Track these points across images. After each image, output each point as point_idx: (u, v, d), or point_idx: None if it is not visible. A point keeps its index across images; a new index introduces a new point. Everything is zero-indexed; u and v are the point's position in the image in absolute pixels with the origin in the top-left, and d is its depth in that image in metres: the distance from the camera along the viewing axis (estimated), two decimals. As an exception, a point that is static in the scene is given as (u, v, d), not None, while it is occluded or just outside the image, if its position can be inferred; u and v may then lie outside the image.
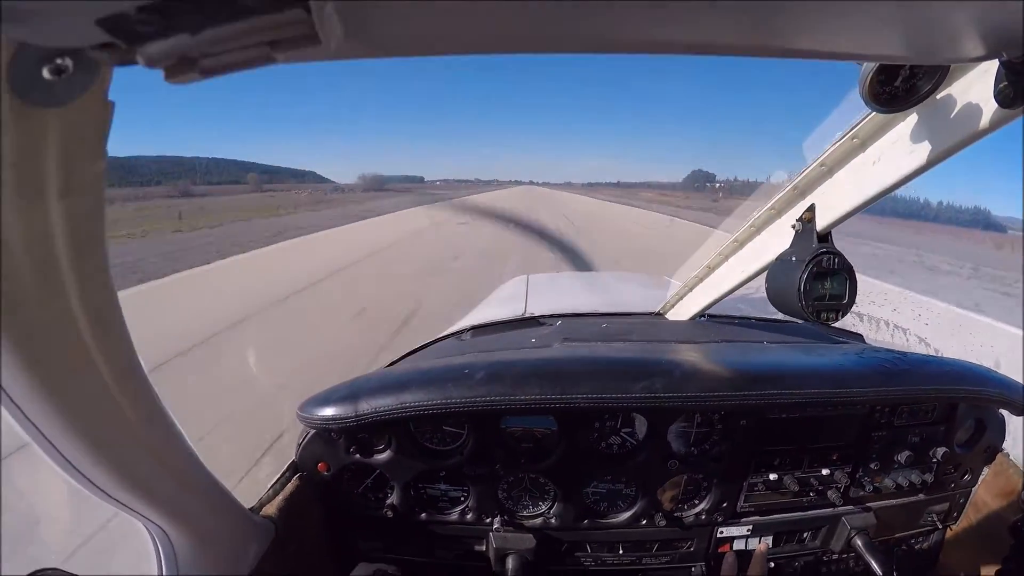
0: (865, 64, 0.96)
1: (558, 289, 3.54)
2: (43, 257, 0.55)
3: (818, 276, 1.27)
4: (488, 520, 1.61)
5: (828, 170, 1.30)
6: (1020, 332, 8.34)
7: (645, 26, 0.55)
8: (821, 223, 1.31)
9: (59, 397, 0.65)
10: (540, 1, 0.48)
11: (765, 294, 1.43)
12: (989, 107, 0.94)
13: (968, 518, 1.84)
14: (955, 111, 1.00)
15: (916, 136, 1.08)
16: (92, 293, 0.62)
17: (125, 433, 0.78)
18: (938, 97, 1.01)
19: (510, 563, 1.55)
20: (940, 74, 0.98)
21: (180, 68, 0.42)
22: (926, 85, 0.98)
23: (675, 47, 0.60)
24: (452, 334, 2.30)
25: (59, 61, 0.44)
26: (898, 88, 0.99)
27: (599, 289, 3.54)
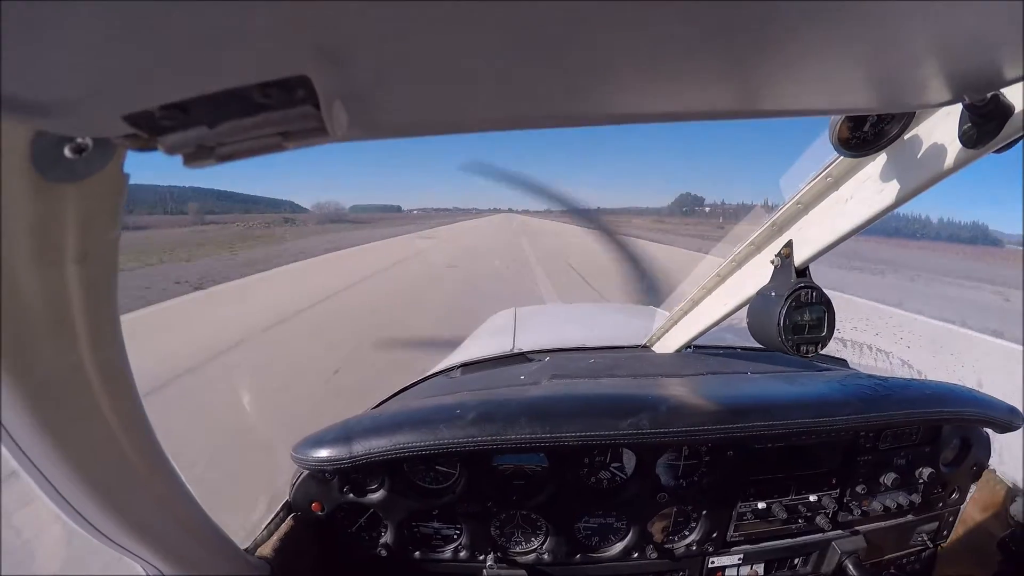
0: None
1: (546, 322, 3.53)
2: (58, 317, 0.57)
3: (797, 310, 1.29)
4: (481, 557, 1.60)
5: (804, 207, 1.32)
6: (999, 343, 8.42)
7: (623, 98, 0.57)
8: (799, 258, 1.33)
9: (64, 443, 0.65)
10: (529, 85, 0.50)
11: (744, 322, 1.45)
12: (954, 147, 0.96)
13: (958, 535, 1.84)
14: (922, 152, 1.03)
15: (886, 175, 1.10)
16: (102, 348, 0.64)
17: (128, 478, 0.78)
18: (905, 138, 1.04)
19: None
20: (907, 119, 1.01)
21: (198, 155, 0.43)
22: (893, 129, 1.01)
23: (646, 117, 0.62)
24: (441, 372, 2.30)
25: (80, 141, 0.46)
26: (867, 133, 1.01)
27: (586, 322, 3.52)
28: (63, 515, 0.74)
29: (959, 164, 0.98)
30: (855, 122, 1.00)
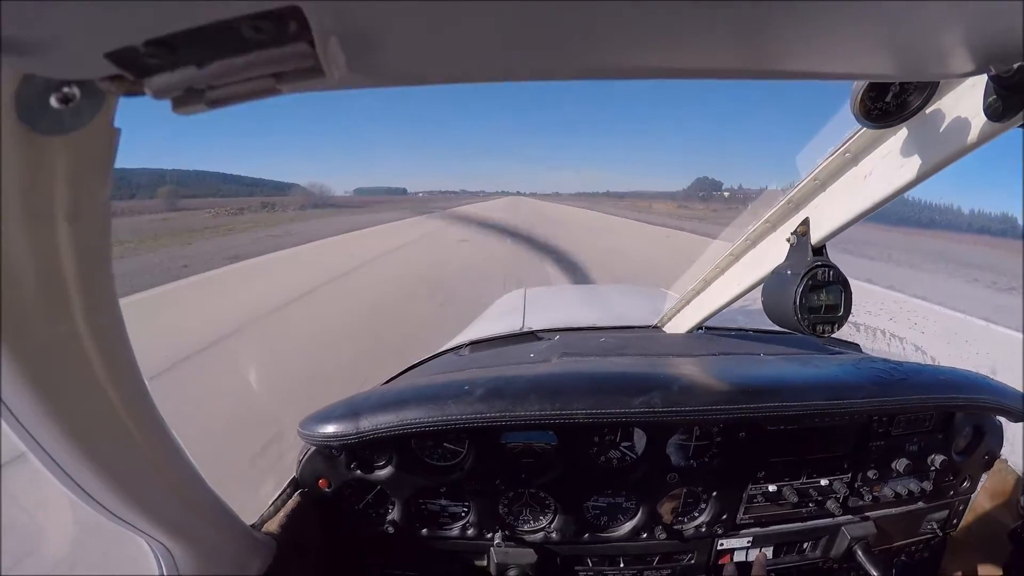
0: (855, 83, 0.96)
1: (556, 303, 3.50)
2: (51, 280, 0.55)
3: (813, 289, 1.26)
4: (489, 535, 1.59)
5: (821, 184, 1.29)
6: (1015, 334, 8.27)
7: (639, 52, 0.55)
8: (815, 236, 1.30)
9: (66, 418, 0.64)
10: (537, 29, 0.47)
11: (761, 306, 1.42)
12: (978, 121, 0.93)
13: (968, 525, 1.81)
14: (945, 125, 1.00)
15: (907, 150, 1.07)
16: (99, 315, 0.62)
17: (131, 454, 0.77)
18: (928, 112, 1.01)
19: None
20: (930, 89, 0.97)
21: (187, 99, 0.42)
22: (916, 100, 0.98)
23: (668, 72, 0.60)
24: (450, 349, 2.28)
25: (66, 90, 0.44)
26: (889, 104, 0.98)
27: (597, 302, 3.50)
28: (66, 490, 0.73)
29: (983, 138, 0.95)
30: (877, 92, 0.97)
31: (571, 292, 4.18)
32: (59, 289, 0.56)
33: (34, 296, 0.54)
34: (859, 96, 0.96)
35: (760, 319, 1.46)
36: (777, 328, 1.41)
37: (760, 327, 2.22)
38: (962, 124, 0.97)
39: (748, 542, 1.67)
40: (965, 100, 0.96)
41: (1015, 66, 0.76)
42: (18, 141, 0.46)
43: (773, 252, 1.47)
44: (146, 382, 0.76)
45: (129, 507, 0.82)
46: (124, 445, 0.75)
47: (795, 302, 1.26)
